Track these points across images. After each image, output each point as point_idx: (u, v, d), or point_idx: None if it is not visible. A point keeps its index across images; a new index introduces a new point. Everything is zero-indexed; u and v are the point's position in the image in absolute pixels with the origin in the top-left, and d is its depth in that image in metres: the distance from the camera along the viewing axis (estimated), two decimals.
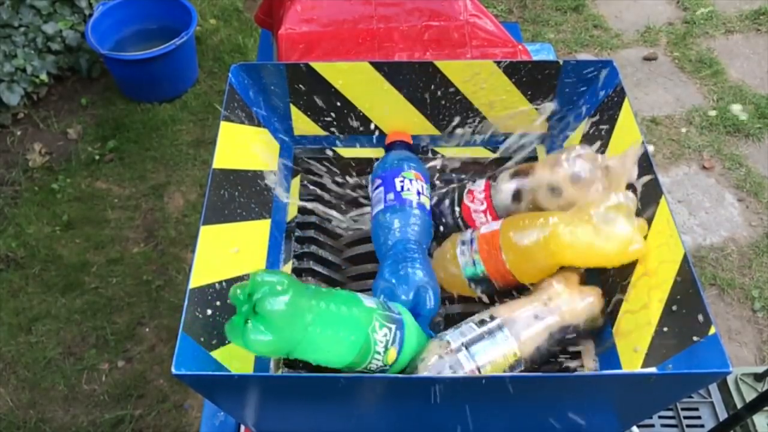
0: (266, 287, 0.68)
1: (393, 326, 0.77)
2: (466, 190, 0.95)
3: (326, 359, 0.74)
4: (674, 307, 0.74)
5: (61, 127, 2.45)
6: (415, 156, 1.00)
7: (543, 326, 0.78)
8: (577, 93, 0.99)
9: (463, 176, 1.07)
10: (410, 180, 0.95)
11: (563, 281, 0.81)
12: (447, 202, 0.96)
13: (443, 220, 0.96)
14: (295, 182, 1.03)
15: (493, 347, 0.75)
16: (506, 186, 0.90)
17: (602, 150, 0.93)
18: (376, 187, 0.97)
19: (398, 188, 0.94)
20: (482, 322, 0.78)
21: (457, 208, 0.94)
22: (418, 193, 0.94)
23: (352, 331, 0.74)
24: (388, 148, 1.03)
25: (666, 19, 2.88)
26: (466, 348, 0.75)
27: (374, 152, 1.05)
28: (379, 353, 0.75)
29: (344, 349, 0.74)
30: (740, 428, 1.35)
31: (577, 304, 0.79)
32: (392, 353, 0.76)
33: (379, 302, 0.79)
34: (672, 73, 2.66)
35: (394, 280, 0.85)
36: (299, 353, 0.72)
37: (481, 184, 0.94)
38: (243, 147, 0.93)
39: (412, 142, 1.04)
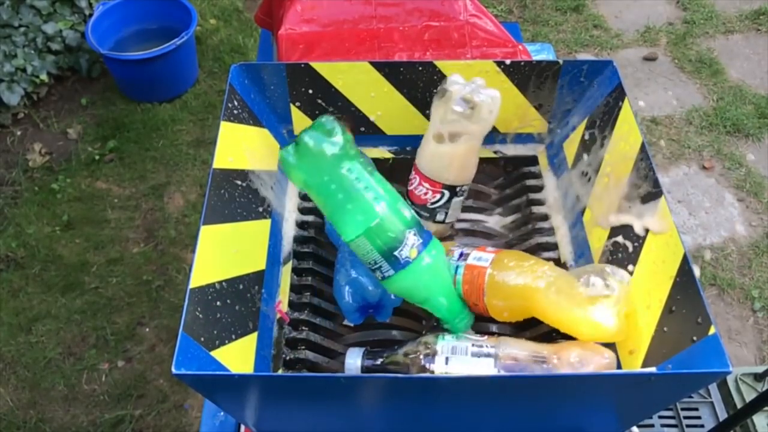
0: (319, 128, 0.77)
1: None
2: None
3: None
4: (674, 308, 0.74)
5: (61, 127, 2.45)
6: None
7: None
8: (577, 93, 0.99)
9: None
10: None
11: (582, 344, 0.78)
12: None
13: None
14: None
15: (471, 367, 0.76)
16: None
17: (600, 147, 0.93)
18: None
19: None
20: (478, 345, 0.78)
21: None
22: None
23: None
24: None
25: (666, 19, 2.88)
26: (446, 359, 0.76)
27: (375, 152, 1.05)
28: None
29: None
30: (740, 428, 1.35)
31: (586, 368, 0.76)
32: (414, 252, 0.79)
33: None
34: (672, 73, 2.66)
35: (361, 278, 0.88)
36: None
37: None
38: (243, 147, 0.93)
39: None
